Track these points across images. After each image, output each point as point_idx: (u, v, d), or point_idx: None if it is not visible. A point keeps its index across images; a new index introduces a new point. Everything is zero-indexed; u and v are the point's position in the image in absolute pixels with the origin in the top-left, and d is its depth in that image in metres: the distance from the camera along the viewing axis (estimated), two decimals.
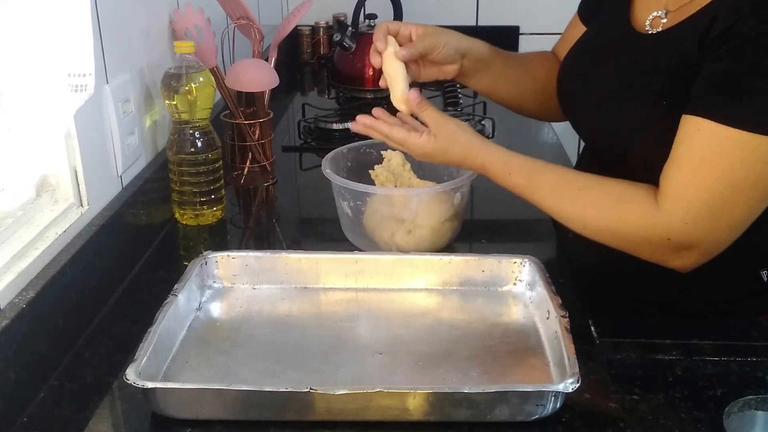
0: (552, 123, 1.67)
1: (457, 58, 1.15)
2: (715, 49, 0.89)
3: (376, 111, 1.07)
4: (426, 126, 1.04)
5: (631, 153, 1.00)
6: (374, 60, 1.08)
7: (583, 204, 0.98)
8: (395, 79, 1.06)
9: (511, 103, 1.27)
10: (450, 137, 1.03)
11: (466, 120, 1.65)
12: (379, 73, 1.11)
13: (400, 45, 1.08)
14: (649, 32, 1.03)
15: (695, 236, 0.92)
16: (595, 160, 1.10)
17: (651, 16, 1.03)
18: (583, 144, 1.23)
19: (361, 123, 1.07)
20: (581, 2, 1.24)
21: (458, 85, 1.86)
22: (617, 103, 1.02)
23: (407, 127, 1.05)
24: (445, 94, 1.87)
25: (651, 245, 0.94)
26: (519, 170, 1.01)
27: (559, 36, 1.31)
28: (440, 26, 1.15)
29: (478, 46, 1.19)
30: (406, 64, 1.08)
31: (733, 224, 0.92)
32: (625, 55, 1.04)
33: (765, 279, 1.06)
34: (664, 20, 1.01)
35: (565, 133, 1.61)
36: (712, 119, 0.88)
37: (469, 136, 1.04)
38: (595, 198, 0.97)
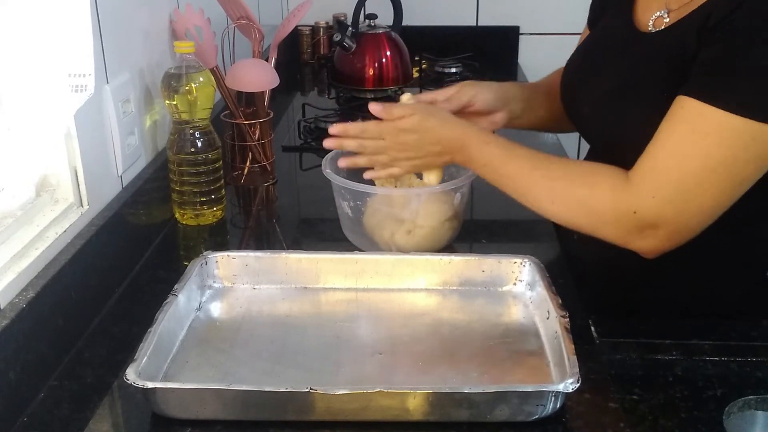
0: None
1: (501, 104, 1.17)
2: (709, 37, 0.90)
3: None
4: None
5: (632, 148, 1.00)
6: None
7: (554, 176, 0.98)
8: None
9: (551, 126, 1.29)
10: (425, 112, 1.05)
11: None
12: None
13: None
14: (652, 32, 1.03)
15: (662, 214, 0.91)
16: (597, 160, 1.10)
17: (654, 17, 1.03)
18: (582, 145, 1.23)
19: (331, 136, 1.09)
20: (590, 11, 1.25)
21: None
22: (619, 99, 1.02)
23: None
24: None
25: (616, 218, 0.93)
26: (496, 141, 1.03)
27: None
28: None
29: (516, 87, 1.22)
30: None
31: (703, 207, 0.90)
32: (628, 53, 1.04)
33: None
34: (667, 19, 1.01)
35: (565, 134, 1.61)
36: (696, 98, 0.88)
37: (446, 112, 1.07)
38: (567, 170, 0.99)
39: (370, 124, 1.07)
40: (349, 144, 1.08)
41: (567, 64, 1.20)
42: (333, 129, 1.09)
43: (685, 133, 0.89)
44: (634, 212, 0.92)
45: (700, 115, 0.88)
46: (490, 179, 1.03)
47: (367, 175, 1.10)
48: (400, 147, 1.05)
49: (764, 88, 0.86)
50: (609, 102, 1.04)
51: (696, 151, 0.88)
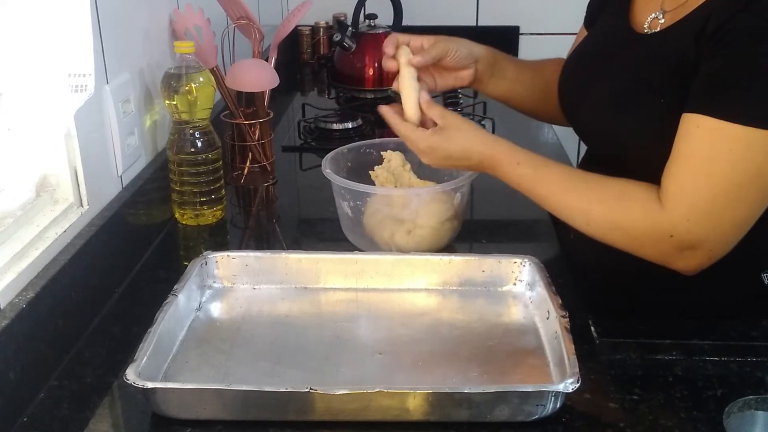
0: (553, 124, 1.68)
1: (470, 62, 1.17)
2: (710, 47, 0.90)
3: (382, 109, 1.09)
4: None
5: (632, 154, 1.01)
6: (390, 64, 1.10)
7: (588, 198, 0.98)
8: (409, 90, 1.08)
9: (527, 107, 1.29)
10: (455, 125, 1.04)
11: None
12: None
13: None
14: (648, 33, 1.03)
15: (699, 234, 0.91)
16: (597, 163, 1.10)
17: (649, 18, 1.03)
18: (583, 145, 1.23)
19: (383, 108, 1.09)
20: (587, 11, 1.25)
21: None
22: (617, 103, 1.02)
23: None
24: (445, 94, 1.87)
25: (654, 243, 0.94)
26: (527, 161, 1.02)
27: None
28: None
29: (490, 51, 1.21)
30: (421, 74, 1.10)
31: (737, 222, 0.91)
32: (625, 56, 1.04)
33: (766, 282, 1.05)
34: (662, 21, 1.01)
35: (565, 134, 1.61)
36: (711, 116, 0.88)
37: (476, 126, 1.07)
38: (600, 193, 0.97)
39: (402, 126, 1.07)
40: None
41: (564, 68, 1.19)
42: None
43: (708, 152, 0.89)
44: (671, 236, 0.92)
45: (719, 132, 0.88)
46: (527, 195, 1.03)
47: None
48: (434, 157, 1.06)
49: None
50: (606, 106, 1.04)
51: (721, 169, 0.89)
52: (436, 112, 1.05)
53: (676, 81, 0.93)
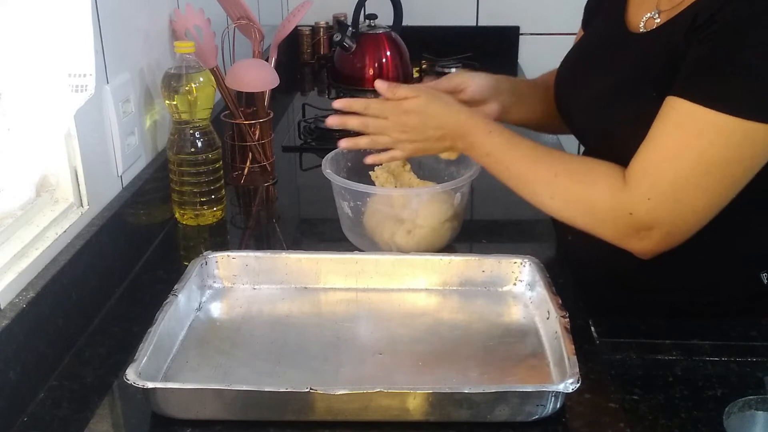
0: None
1: (493, 94, 1.17)
2: (697, 36, 0.90)
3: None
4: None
5: (627, 151, 1.00)
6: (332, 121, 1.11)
7: (555, 171, 0.98)
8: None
9: (545, 125, 1.29)
10: (430, 95, 1.05)
11: None
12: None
13: None
14: (642, 32, 1.03)
15: (657, 215, 0.91)
16: None
17: (645, 18, 1.03)
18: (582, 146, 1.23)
19: (336, 113, 1.08)
20: (584, 12, 1.25)
21: None
22: (611, 101, 1.02)
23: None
24: None
25: (613, 220, 0.94)
26: (499, 131, 1.02)
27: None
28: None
29: (510, 81, 1.22)
30: None
31: (698, 208, 0.90)
32: (619, 54, 1.05)
33: (765, 281, 1.05)
34: (658, 20, 1.01)
35: (564, 134, 1.61)
36: (687, 99, 0.88)
37: (451, 98, 1.07)
38: (566, 167, 0.98)
39: (374, 102, 1.06)
40: (353, 123, 1.07)
41: (560, 67, 1.20)
42: (337, 103, 1.08)
43: (677, 135, 0.89)
44: (630, 213, 0.92)
45: (691, 115, 0.88)
46: (490, 169, 1.03)
47: (368, 160, 1.09)
48: (402, 128, 1.04)
49: (753, 86, 0.86)
50: (600, 104, 1.04)
51: (688, 153, 0.88)
52: (404, 89, 1.05)
53: (667, 77, 0.92)
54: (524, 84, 1.26)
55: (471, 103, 1.14)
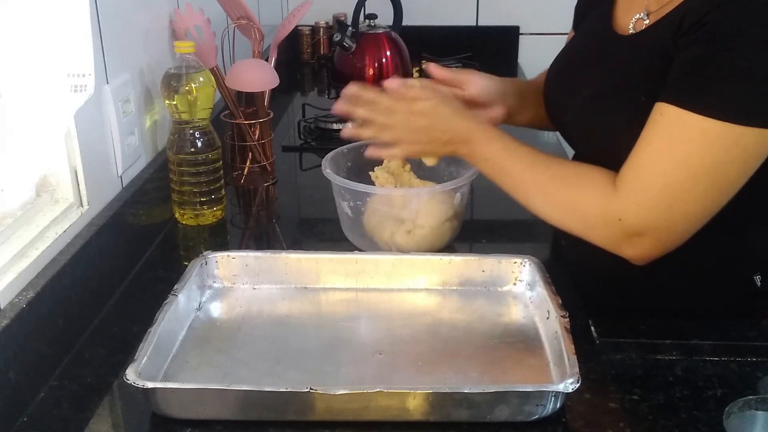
0: None
1: (499, 98, 1.17)
2: (686, 39, 0.89)
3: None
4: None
5: (617, 155, 1.00)
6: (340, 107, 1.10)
7: (550, 176, 0.98)
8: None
9: (549, 125, 1.28)
10: (441, 99, 1.04)
11: None
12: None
13: None
14: (630, 34, 1.03)
15: (647, 221, 0.90)
16: None
17: (634, 19, 1.03)
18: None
19: (343, 99, 1.07)
20: (574, 13, 1.25)
21: None
22: (600, 106, 1.02)
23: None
24: None
25: (604, 225, 0.93)
26: (501, 138, 1.02)
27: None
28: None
29: (515, 84, 1.22)
30: None
31: (688, 214, 0.90)
32: (608, 58, 1.04)
33: (758, 283, 1.05)
34: (647, 21, 1.01)
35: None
36: (676, 104, 0.87)
37: (459, 102, 1.07)
38: (560, 172, 0.98)
39: (385, 97, 1.05)
40: (360, 112, 1.06)
41: (548, 71, 1.19)
42: (347, 90, 1.07)
43: (667, 140, 0.89)
44: (620, 219, 0.91)
45: (681, 121, 0.87)
46: (488, 174, 1.03)
47: (368, 152, 1.08)
48: (409, 128, 1.04)
49: (742, 91, 0.85)
50: (590, 109, 1.04)
51: (678, 158, 0.88)
52: (418, 90, 1.05)
53: (656, 79, 0.92)
54: (528, 86, 1.26)
55: (475, 105, 1.14)
